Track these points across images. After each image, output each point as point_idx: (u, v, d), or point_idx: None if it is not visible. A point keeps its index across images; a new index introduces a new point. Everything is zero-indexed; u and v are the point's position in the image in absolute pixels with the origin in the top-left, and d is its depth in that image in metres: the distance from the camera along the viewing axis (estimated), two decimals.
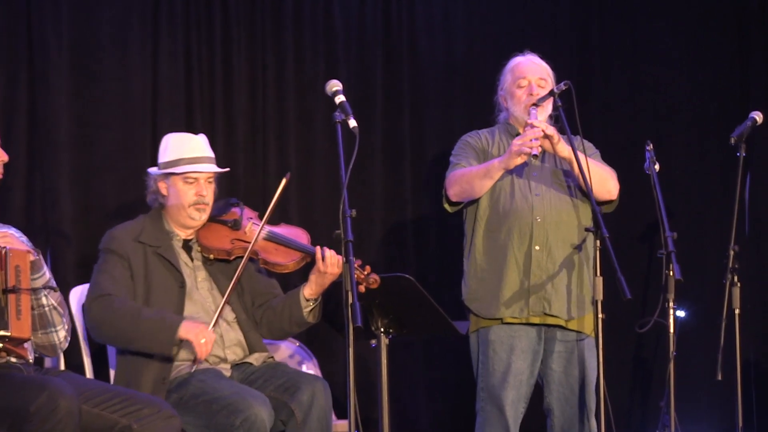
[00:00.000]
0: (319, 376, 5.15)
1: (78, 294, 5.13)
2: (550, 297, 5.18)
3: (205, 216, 5.02)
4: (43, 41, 5.70)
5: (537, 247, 5.18)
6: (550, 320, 5.21)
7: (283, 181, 4.99)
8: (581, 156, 5.00)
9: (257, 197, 6.04)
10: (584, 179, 4.96)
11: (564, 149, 5.16)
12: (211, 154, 5.06)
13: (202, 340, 4.71)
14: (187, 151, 4.99)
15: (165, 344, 4.74)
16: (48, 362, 4.91)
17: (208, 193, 5.02)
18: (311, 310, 4.99)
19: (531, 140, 5.03)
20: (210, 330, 4.77)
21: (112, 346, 4.98)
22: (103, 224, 5.33)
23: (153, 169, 5.08)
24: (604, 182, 5.22)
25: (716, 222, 6.47)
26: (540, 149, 5.07)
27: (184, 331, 4.73)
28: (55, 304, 4.56)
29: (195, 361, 4.80)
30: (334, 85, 4.64)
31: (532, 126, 5.08)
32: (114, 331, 4.78)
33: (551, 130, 5.11)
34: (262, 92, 6.21)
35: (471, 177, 5.24)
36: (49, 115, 5.71)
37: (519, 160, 5.11)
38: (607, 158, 5.46)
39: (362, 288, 4.77)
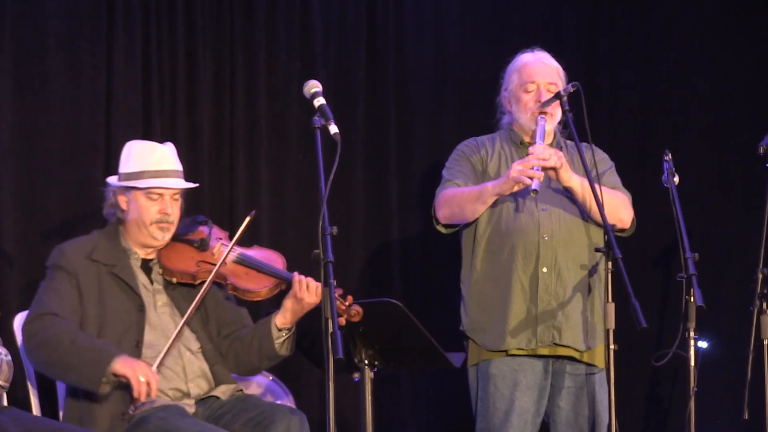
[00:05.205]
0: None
1: (22, 321, 5.02)
2: (561, 325, 5.14)
3: (168, 236, 4.96)
4: None
5: (544, 269, 5.14)
6: (561, 351, 5.18)
7: (247, 219, 4.90)
8: (590, 184, 4.95)
9: (224, 213, 6.06)
10: (598, 206, 4.90)
11: (568, 178, 5.10)
12: (178, 167, 5.00)
13: (142, 378, 4.56)
14: (151, 163, 4.92)
15: (92, 380, 4.58)
16: None
17: (174, 211, 4.95)
18: (284, 341, 4.91)
19: (533, 169, 4.96)
20: (153, 368, 4.64)
21: (45, 374, 4.83)
22: (49, 242, 5.31)
23: (113, 179, 5.02)
24: (616, 211, 5.17)
25: (742, 242, 6.45)
26: (541, 179, 4.99)
27: (121, 365, 4.57)
28: None
29: (132, 402, 4.66)
30: (314, 86, 4.62)
31: (535, 153, 5.01)
32: (47, 357, 4.66)
33: (555, 161, 5.04)
34: (230, 95, 6.18)
35: (462, 200, 5.20)
36: None
37: (516, 188, 5.05)
38: (617, 171, 5.42)
39: (342, 321, 4.73)
